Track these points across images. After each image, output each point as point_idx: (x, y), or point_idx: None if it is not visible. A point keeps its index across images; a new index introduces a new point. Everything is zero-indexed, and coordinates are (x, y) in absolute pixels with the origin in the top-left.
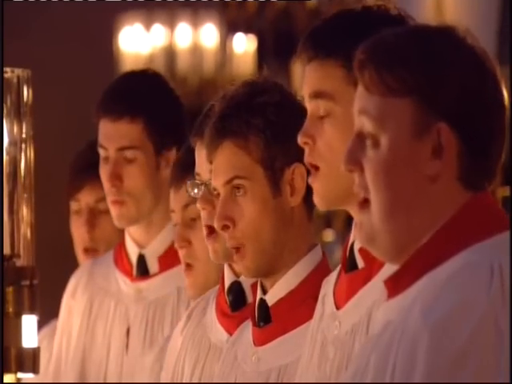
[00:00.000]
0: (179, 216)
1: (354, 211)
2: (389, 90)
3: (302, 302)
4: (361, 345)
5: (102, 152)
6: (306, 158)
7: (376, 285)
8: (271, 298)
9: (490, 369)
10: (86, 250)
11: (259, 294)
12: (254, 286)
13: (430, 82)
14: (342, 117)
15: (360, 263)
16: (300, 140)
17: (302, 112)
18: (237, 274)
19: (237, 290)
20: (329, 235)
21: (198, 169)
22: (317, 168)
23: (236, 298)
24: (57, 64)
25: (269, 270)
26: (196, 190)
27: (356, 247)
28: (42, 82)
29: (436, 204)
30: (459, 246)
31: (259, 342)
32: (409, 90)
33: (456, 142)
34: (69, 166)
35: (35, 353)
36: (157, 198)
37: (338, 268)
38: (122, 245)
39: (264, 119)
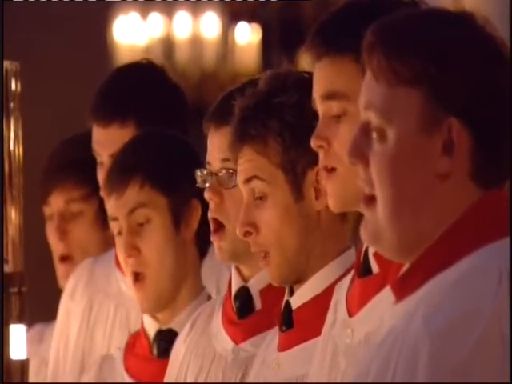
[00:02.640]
0: (124, 223)
1: None
2: (397, 78)
3: (328, 309)
4: (366, 350)
5: (97, 157)
6: (322, 162)
7: (391, 292)
8: (295, 302)
9: (494, 380)
10: (62, 258)
11: (286, 295)
12: (262, 293)
13: (442, 72)
14: (357, 115)
15: (374, 268)
16: (314, 143)
17: None
18: (245, 279)
19: (244, 296)
20: None
21: (208, 157)
22: (332, 170)
23: (243, 305)
24: (47, 56)
25: (296, 278)
26: (205, 182)
27: (371, 251)
28: (31, 75)
29: (446, 203)
30: (469, 247)
31: (282, 347)
32: (418, 79)
33: (468, 137)
34: (42, 169)
35: (24, 365)
36: None
37: (352, 272)
38: None
39: (280, 121)
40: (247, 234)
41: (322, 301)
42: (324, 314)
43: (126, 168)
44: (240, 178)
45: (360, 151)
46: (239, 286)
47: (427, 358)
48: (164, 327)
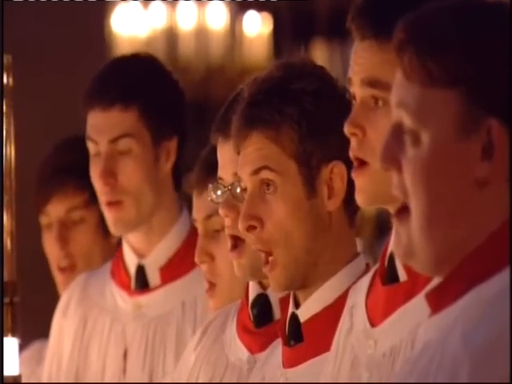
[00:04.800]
0: (201, 227)
1: None
2: (431, 78)
3: (339, 321)
4: (400, 365)
5: (91, 147)
6: (353, 151)
7: (422, 303)
8: (304, 313)
9: None
10: (62, 269)
11: (291, 308)
12: (282, 301)
13: (481, 71)
14: None
15: (402, 275)
16: (347, 130)
17: (344, 102)
18: (264, 287)
19: (263, 304)
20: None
21: (220, 172)
22: (364, 163)
23: (261, 313)
24: (41, 49)
25: (301, 283)
26: (219, 193)
27: None
28: (25, 69)
29: (485, 211)
30: (509, 258)
31: (289, 363)
32: (454, 79)
33: (508, 140)
34: (35, 175)
35: (16, 381)
36: (158, 196)
37: (369, 275)
38: (119, 254)
39: (299, 109)
40: (251, 228)
41: (333, 312)
42: (335, 326)
43: (207, 167)
44: (246, 169)
45: (393, 156)
46: (257, 293)
47: (467, 377)
48: None
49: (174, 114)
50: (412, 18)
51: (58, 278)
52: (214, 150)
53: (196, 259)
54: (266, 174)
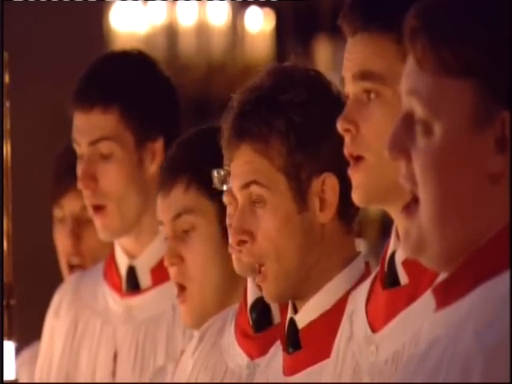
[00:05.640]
0: (169, 228)
1: (395, 213)
2: (445, 68)
3: (339, 326)
4: (404, 363)
5: (76, 149)
6: (347, 148)
7: (424, 305)
8: (301, 320)
9: None
10: (71, 266)
11: (290, 313)
12: (282, 304)
13: (498, 62)
14: (392, 100)
15: (403, 278)
16: (340, 126)
17: (336, 111)
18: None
19: (262, 308)
20: (360, 246)
21: (226, 160)
22: (359, 158)
23: (260, 317)
24: (38, 46)
25: (294, 295)
26: (224, 184)
27: (398, 259)
28: (21, 66)
29: (496, 206)
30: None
31: (288, 371)
32: (470, 70)
33: None
34: (52, 167)
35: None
36: (144, 199)
37: (369, 281)
38: (112, 255)
39: (287, 121)
40: (242, 242)
41: (331, 317)
42: (335, 332)
43: (173, 167)
44: (236, 183)
45: (401, 145)
46: (256, 296)
47: (480, 375)
48: None
49: (160, 113)
50: (425, 4)
51: (67, 274)
52: (179, 147)
53: (165, 262)
54: (254, 189)
